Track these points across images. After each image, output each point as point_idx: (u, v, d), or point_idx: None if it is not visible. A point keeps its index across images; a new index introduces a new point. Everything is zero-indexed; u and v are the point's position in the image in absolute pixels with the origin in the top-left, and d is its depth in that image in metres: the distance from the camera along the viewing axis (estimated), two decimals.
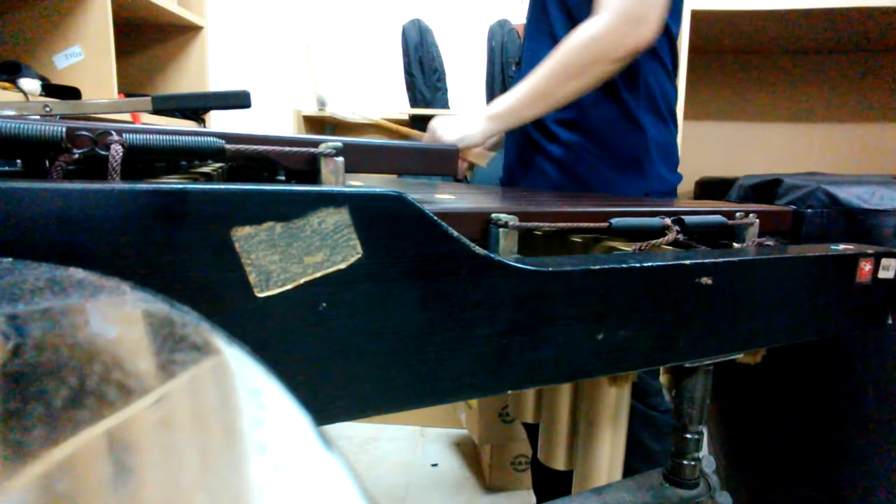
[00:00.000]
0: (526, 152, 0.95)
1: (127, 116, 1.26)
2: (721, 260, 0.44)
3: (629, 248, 0.48)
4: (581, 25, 0.77)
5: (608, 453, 0.62)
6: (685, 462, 0.58)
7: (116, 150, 0.32)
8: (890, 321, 0.56)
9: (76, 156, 0.31)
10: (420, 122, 1.96)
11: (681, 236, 0.49)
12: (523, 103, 0.81)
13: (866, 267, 0.53)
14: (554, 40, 0.88)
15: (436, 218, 0.34)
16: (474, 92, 2.08)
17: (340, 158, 0.38)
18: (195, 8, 1.73)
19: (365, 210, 0.32)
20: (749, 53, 1.66)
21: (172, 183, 0.29)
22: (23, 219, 0.25)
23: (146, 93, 1.44)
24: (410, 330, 0.34)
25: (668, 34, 0.86)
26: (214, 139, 0.36)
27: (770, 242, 0.55)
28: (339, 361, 0.32)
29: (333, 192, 0.31)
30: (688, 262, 0.43)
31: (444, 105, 1.96)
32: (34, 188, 0.25)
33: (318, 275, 0.31)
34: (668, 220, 0.49)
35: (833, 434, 0.85)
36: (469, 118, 0.84)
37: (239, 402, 0.14)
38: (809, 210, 0.83)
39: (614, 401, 0.60)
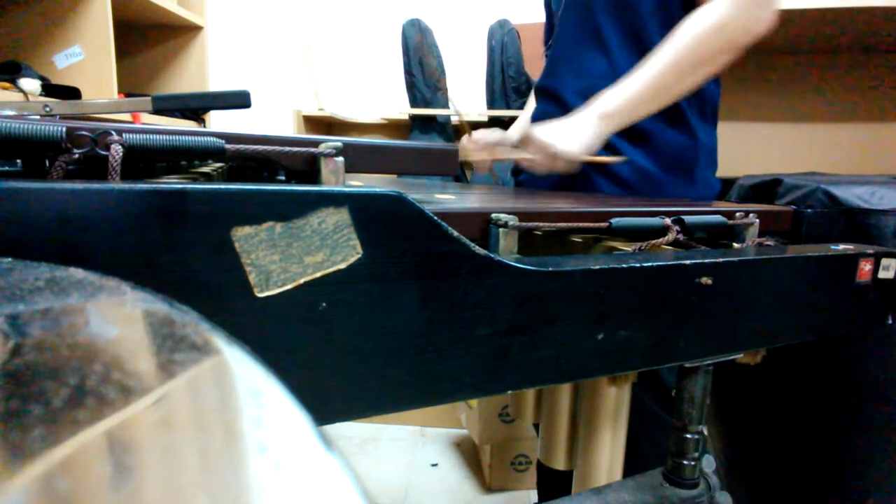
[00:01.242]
0: None
1: (127, 116, 1.26)
2: (721, 260, 0.44)
3: (629, 248, 0.48)
4: (699, 11, 0.72)
5: (608, 453, 0.62)
6: (685, 462, 0.58)
7: (116, 150, 0.32)
8: (890, 321, 0.56)
9: (76, 156, 0.31)
10: (420, 122, 1.96)
11: (681, 236, 0.49)
12: (641, 99, 0.74)
13: (866, 267, 0.53)
14: (603, 46, 0.84)
15: (436, 218, 0.34)
16: (474, 92, 2.08)
17: (340, 158, 0.38)
18: (195, 8, 1.73)
19: (365, 210, 0.32)
20: (749, 54, 1.66)
21: (172, 183, 0.29)
22: (23, 219, 0.25)
23: (146, 93, 1.44)
24: (410, 330, 0.34)
25: None
26: (214, 139, 0.36)
27: (770, 242, 0.55)
28: (338, 361, 0.32)
29: (333, 192, 0.31)
30: (688, 262, 0.43)
31: (444, 105, 1.96)
32: (34, 188, 0.25)
33: (318, 275, 0.31)
34: (668, 220, 0.49)
35: (833, 434, 0.85)
36: (575, 122, 0.76)
37: (239, 402, 0.14)
38: (809, 210, 0.83)
39: (614, 401, 0.60)
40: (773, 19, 0.72)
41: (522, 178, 1.04)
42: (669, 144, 0.84)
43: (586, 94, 0.85)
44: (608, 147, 0.84)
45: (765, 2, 0.71)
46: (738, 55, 0.74)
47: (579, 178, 0.88)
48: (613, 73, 0.83)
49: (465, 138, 1.02)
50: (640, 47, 0.82)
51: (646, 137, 0.84)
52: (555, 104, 0.91)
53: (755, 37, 0.72)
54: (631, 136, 0.84)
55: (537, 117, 0.96)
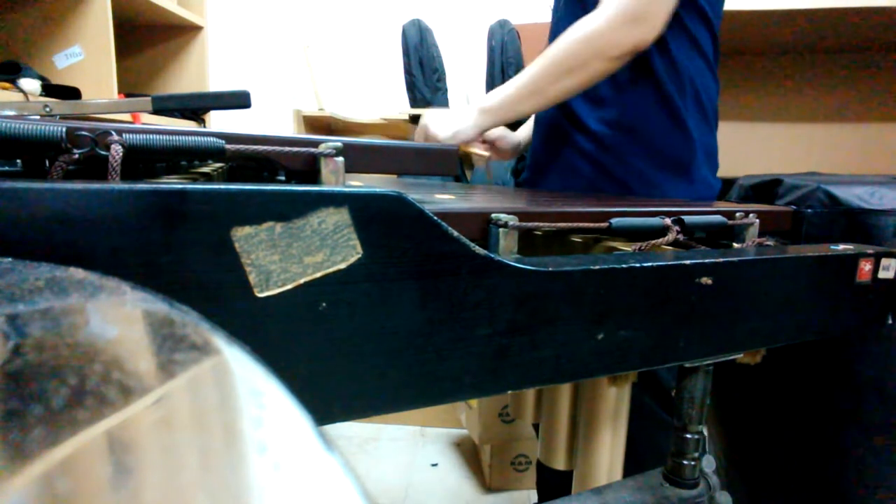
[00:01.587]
0: (558, 148, 0.92)
1: (127, 116, 1.26)
2: (721, 260, 0.44)
3: (629, 248, 0.48)
4: (581, 20, 0.75)
5: (608, 453, 0.62)
6: (685, 462, 0.58)
7: (116, 150, 0.32)
8: (890, 321, 0.56)
9: (76, 156, 0.31)
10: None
11: (681, 236, 0.49)
12: (517, 98, 0.79)
13: (866, 267, 0.53)
14: None
15: (436, 218, 0.34)
16: (474, 92, 2.08)
17: (340, 158, 0.38)
18: (195, 8, 1.73)
19: (365, 210, 0.32)
20: (748, 54, 1.66)
21: (172, 183, 0.29)
22: (23, 219, 0.25)
23: (146, 93, 1.44)
24: (410, 330, 0.34)
25: (710, 28, 0.84)
26: (214, 139, 0.36)
27: (770, 242, 0.55)
28: (338, 361, 0.32)
29: (333, 192, 0.31)
30: (688, 262, 0.43)
31: (444, 105, 1.96)
32: (34, 188, 0.25)
33: (318, 275, 0.31)
34: (668, 220, 0.49)
35: (833, 434, 0.85)
36: (461, 112, 0.83)
37: (239, 402, 0.14)
38: (809, 210, 0.83)
39: (614, 401, 0.60)
40: (654, 35, 0.74)
41: (523, 178, 1.05)
42: (664, 143, 0.84)
43: (584, 95, 0.85)
44: (605, 148, 0.85)
45: (644, 17, 0.73)
46: (618, 64, 0.76)
47: (562, 166, 0.90)
48: (612, 75, 0.83)
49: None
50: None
51: (641, 137, 0.84)
52: (555, 105, 0.91)
53: (629, 50, 0.75)
54: (628, 135, 0.84)
55: (540, 117, 0.97)
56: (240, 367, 0.15)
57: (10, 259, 0.22)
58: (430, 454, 1.78)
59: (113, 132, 0.32)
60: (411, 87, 1.94)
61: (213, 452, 0.11)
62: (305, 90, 2.14)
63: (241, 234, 0.29)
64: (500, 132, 1.04)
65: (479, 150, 0.91)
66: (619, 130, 0.85)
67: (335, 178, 0.38)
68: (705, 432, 0.58)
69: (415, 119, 1.94)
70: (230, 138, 0.37)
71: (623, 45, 0.74)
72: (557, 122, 0.90)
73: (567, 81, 0.76)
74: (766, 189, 0.91)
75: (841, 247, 0.54)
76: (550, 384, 0.63)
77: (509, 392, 0.39)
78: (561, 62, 0.76)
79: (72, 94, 1.24)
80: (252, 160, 0.40)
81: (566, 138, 0.90)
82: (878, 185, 0.82)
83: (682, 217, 0.50)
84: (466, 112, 0.82)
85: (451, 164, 0.47)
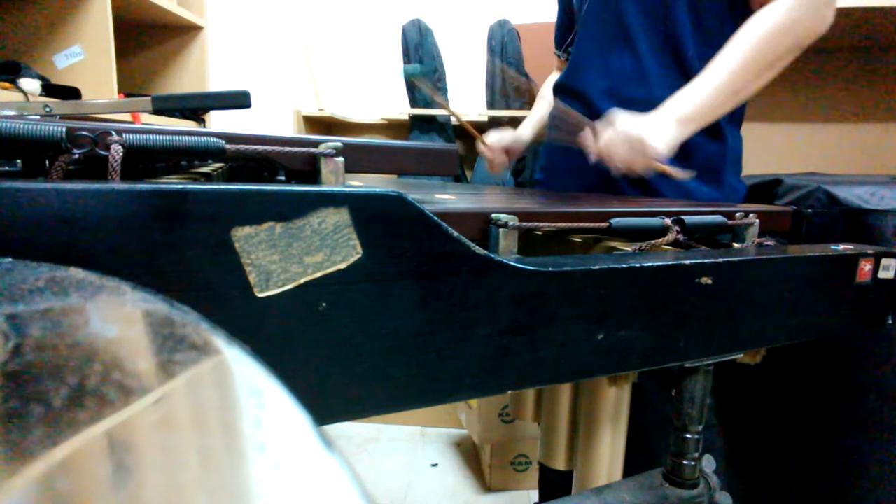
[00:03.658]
0: (585, 157, 0.82)
1: (127, 116, 1.26)
2: (721, 260, 0.44)
3: (629, 248, 0.48)
4: (765, 10, 0.71)
5: (608, 453, 0.62)
6: (685, 462, 0.58)
7: (116, 150, 0.32)
8: (890, 321, 0.56)
9: (76, 156, 0.31)
10: (420, 122, 1.96)
11: (681, 236, 0.49)
12: (717, 101, 0.71)
13: (866, 267, 0.53)
14: (630, 46, 0.81)
15: (436, 218, 0.34)
16: (474, 92, 2.08)
17: (340, 158, 0.38)
18: (195, 8, 1.73)
19: (365, 210, 0.32)
20: None
21: (172, 183, 0.29)
22: (23, 219, 0.25)
23: (146, 93, 1.44)
24: (410, 330, 0.34)
25: None
26: (214, 139, 0.36)
27: (770, 242, 0.55)
28: (339, 361, 0.32)
29: (333, 192, 0.31)
30: (688, 262, 0.43)
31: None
32: (34, 188, 0.25)
33: (318, 275, 0.31)
34: (668, 220, 0.49)
35: (833, 434, 0.85)
36: (653, 121, 0.70)
37: (239, 402, 0.14)
38: (809, 210, 0.83)
39: (614, 401, 0.60)
40: (833, 18, 0.71)
41: (537, 178, 1.02)
42: (701, 151, 0.81)
43: (612, 94, 0.82)
44: None
45: (830, 1, 0.71)
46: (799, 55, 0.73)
47: (590, 174, 0.84)
48: (640, 74, 0.81)
49: (480, 145, 1.02)
50: (671, 49, 0.80)
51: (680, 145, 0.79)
52: (579, 103, 0.88)
53: (818, 36, 0.71)
54: None
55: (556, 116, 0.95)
56: (240, 367, 0.15)
57: (10, 259, 0.22)
58: (430, 454, 1.78)
59: (113, 132, 0.32)
60: (411, 86, 1.94)
61: (213, 452, 0.11)
62: (305, 90, 2.14)
63: (241, 234, 0.29)
64: (514, 136, 1.02)
65: (680, 172, 0.72)
66: None
67: (335, 178, 0.38)
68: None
69: (415, 119, 1.94)
70: (230, 138, 0.37)
71: (819, 30, 0.71)
72: None
73: (768, 75, 0.72)
74: (766, 189, 0.91)
75: (841, 247, 0.54)
76: (550, 384, 0.63)
77: (509, 392, 0.39)
78: (761, 56, 0.70)
79: (72, 94, 1.24)
80: (252, 160, 0.40)
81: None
82: (878, 185, 0.82)
83: (682, 217, 0.50)
84: (659, 122, 0.70)
85: (451, 164, 0.47)
